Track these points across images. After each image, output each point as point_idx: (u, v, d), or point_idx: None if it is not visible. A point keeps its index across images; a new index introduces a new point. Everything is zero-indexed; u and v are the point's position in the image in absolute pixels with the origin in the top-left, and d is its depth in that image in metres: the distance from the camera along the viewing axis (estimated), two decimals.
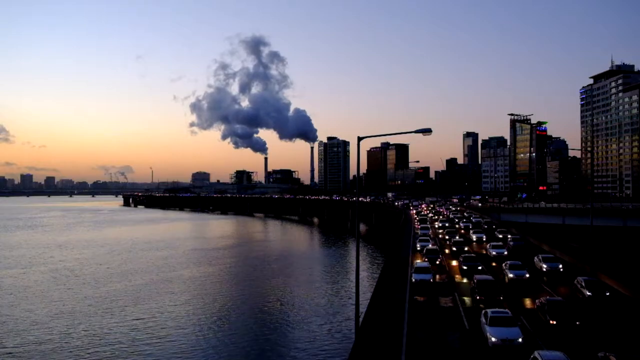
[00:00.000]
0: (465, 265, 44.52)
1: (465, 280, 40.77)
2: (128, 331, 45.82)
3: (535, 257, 46.98)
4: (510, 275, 40.71)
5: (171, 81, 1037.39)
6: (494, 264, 49.15)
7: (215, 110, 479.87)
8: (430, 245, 54.93)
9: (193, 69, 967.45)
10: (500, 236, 68.86)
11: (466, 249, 57.01)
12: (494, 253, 53.67)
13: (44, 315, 51.83)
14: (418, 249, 56.13)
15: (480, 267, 44.12)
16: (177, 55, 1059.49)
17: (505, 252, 53.72)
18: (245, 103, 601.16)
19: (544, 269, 43.68)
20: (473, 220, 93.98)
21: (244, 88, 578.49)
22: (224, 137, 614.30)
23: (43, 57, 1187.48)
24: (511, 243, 59.96)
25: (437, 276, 42.03)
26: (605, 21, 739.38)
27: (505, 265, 43.38)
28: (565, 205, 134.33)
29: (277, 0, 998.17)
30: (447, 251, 58.40)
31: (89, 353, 40.13)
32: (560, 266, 43.78)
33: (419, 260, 46.45)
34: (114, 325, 47.64)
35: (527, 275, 40.45)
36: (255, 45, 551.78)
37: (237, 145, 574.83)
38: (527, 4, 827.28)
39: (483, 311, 27.69)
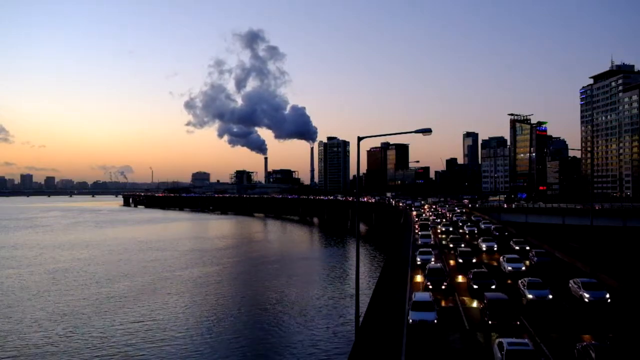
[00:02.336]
0: (476, 284, 36.76)
1: (475, 305, 32.97)
2: (129, 332, 45.75)
3: (572, 282, 36.44)
4: (530, 296, 33.50)
5: (170, 80, 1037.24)
6: (509, 282, 40.55)
7: (211, 108, 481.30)
8: (432, 261, 46.67)
9: (192, 68, 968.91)
10: (517, 247, 58.38)
11: (474, 260, 49.13)
12: (509, 268, 44.70)
13: (43, 316, 51.77)
14: (418, 263, 46.89)
15: (494, 287, 36.20)
16: (177, 54, 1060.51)
17: (523, 268, 44.91)
18: (241, 101, 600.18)
19: (586, 299, 32.98)
20: (482, 226, 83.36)
21: (240, 83, 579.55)
22: (220, 135, 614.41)
23: (43, 57, 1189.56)
24: (535, 259, 49.34)
25: (443, 301, 33.50)
26: (605, 21, 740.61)
27: (522, 283, 35.99)
28: (565, 205, 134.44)
29: (277, 0, 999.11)
30: (450, 256, 52.95)
31: (89, 353, 40.08)
32: (608, 296, 33.24)
33: (418, 291, 34.87)
34: (114, 326, 47.58)
35: (550, 297, 33.44)
36: (251, 39, 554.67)
37: (233, 144, 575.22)
38: (527, 4, 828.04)
39: (497, 341, 22.68)
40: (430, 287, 36.38)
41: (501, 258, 48.57)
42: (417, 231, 71.92)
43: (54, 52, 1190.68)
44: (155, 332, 45.43)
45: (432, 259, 47.23)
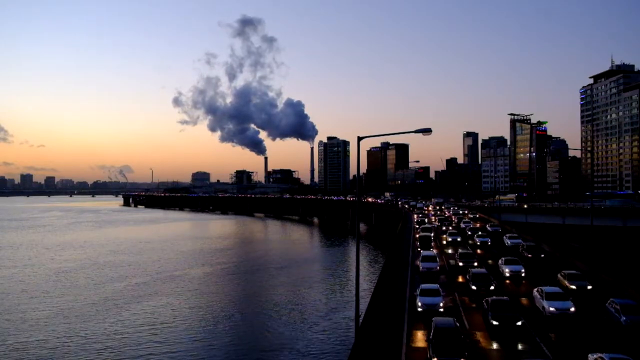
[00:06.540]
0: (495, 319, 27.00)
1: (495, 347, 24.61)
2: (129, 332, 45.88)
3: None
4: None
5: (167, 77, 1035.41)
6: (552, 335, 26.42)
7: (204, 104, 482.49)
8: (441, 306, 30.77)
9: (192, 66, 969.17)
10: (574, 287, 36.46)
11: (492, 288, 36.17)
12: (551, 309, 29.76)
13: (42, 316, 51.87)
14: (419, 309, 30.62)
15: (519, 323, 26.75)
16: (177, 52, 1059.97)
17: (572, 308, 29.54)
18: (234, 96, 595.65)
19: None
20: (508, 243, 62.26)
21: (233, 77, 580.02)
22: (212, 130, 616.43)
23: (42, 56, 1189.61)
24: (623, 318, 27.22)
25: None
26: (605, 21, 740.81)
27: None
28: (565, 205, 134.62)
29: (278, 0, 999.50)
30: (463, 284, 39.49)
31: (89, 354, 40.19)
32: None
33: None
34: (115, 327, 47.71)
35: None
36: (245, 24, 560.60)
37: (225, 141, 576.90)
38: (527, 4, 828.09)
39: None
40: None
41: (535, 291, 33.50)
42: (418, 249, 56.29)
43: (52, 52, 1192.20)
44: (155, 333, 45.49)
45: (441, 304, 31.12)
